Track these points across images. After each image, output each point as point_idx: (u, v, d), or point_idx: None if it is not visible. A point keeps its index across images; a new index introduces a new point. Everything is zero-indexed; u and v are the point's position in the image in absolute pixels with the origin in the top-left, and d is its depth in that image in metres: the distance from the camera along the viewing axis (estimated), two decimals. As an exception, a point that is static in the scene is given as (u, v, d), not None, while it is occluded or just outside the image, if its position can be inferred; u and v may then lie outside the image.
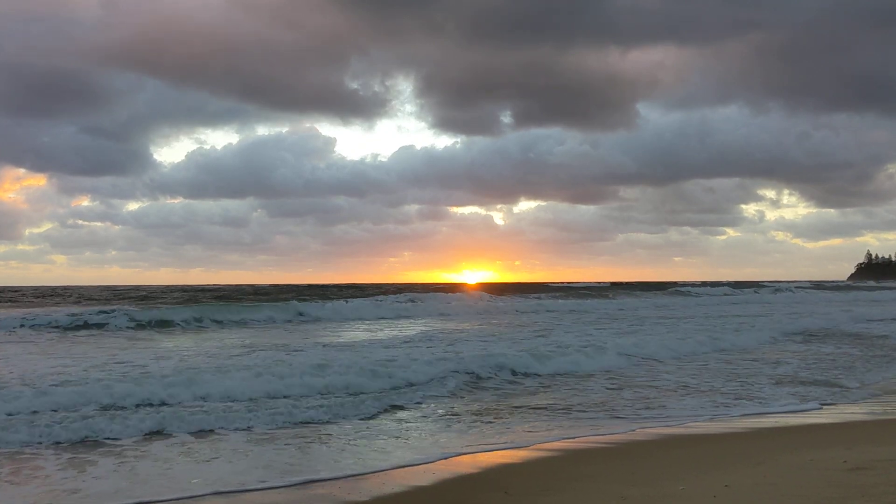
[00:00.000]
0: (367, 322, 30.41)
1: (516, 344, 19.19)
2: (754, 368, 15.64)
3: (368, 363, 14.03)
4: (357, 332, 24.84)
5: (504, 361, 14.68)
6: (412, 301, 41.74)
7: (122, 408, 10.18)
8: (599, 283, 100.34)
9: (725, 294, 63.70)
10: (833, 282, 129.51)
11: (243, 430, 9.33)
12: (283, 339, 21.88)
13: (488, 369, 14.09)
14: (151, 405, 10.46)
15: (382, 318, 32.99)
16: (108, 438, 8.79)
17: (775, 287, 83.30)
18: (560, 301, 49.72)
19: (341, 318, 32.33)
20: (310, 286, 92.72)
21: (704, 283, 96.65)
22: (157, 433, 9.06)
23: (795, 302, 52.23)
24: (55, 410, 9.85)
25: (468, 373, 13.66)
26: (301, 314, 31.91)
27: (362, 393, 11.62)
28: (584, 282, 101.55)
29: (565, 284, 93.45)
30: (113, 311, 27.73)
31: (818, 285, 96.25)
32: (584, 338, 20.92)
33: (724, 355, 17.97)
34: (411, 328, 26.84)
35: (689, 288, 75.11)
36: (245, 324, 27.71)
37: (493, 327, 26.96)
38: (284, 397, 11.23)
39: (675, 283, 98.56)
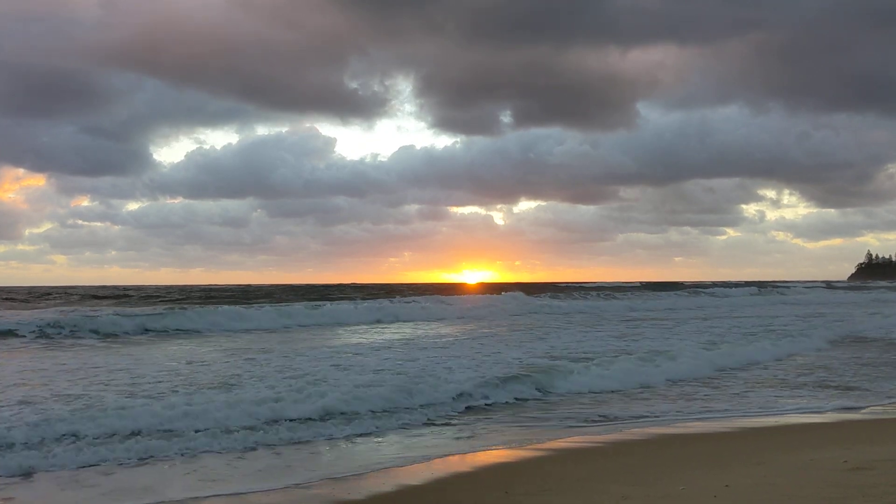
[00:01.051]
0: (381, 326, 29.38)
1: (553, 348, 18.78)
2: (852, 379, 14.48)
3: (373, 371, 13.74)
4: (358, 336, 24.77)
5: (525, 368, 13.95)
6: (440, 303, 39.35)
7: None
8: (612, 282, 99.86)
9: (752, 294, 62.37)
10: (840, 282, 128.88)
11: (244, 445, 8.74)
12: (309, 343, 21.17)
13: (502, 376, 13.04)
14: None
15: (406, 320, 31.87)
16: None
17: (792, 287, 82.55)
18: (600, 302, 47.89)
19: (370, 319, 31.33)
20: (310, 286, 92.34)
21: (715, 284, 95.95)
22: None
23: (822, 303, 51.23)
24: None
25: (481, 379, 12.68)
26: (335, 320, 30.57)
27: (359, 415, 10.41)
28: (595, 281, 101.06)
29: (576, 284, 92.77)
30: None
31: (829, 285, 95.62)
32: (654, 342, 20.50)
33: (789, 363, 17.09)
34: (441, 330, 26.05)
35: (717, 289, 73.38)
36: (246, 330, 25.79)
37: (522, 330, 25.85)
38: (299, 419, 9.87)
39: (681, 284, 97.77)
